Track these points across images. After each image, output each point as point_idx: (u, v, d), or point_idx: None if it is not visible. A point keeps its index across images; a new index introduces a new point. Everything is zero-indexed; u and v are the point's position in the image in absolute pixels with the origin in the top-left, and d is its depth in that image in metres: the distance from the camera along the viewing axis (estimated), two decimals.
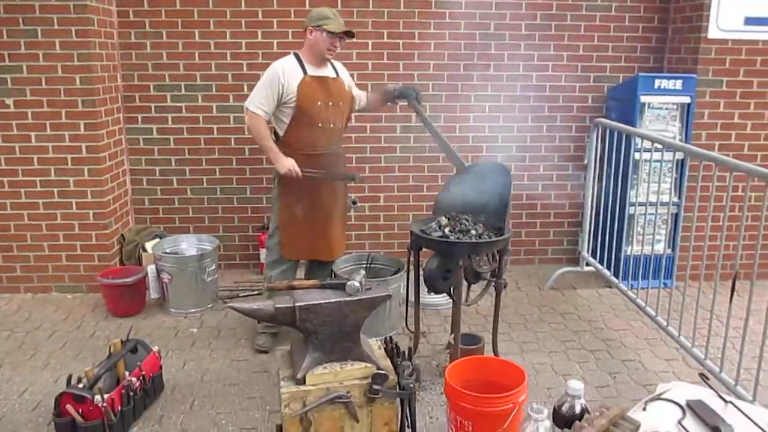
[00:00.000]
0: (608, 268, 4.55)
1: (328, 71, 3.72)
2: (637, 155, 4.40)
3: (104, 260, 4.58)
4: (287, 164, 3.56)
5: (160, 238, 4.70)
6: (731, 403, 1.75)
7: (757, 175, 2.89)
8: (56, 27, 4.17)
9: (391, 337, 2.84)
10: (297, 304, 2.48)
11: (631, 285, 4.22)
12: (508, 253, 3.49)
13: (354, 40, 4.65)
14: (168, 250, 4.50)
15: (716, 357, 3.26)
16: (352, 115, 4.04)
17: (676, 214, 4.65)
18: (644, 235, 4.27)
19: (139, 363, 3.20)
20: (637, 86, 4.50)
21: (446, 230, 3.33)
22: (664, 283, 4.21)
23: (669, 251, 4.63)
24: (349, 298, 2.53)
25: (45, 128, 4.34)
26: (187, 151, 4.92)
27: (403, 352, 2.65)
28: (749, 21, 4.50)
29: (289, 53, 3.72)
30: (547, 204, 5.20)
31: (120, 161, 4.76)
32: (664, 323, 3.67)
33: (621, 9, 4.87)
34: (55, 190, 4.44)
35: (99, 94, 4.36)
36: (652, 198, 4.24)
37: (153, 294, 4.47)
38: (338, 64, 3.85)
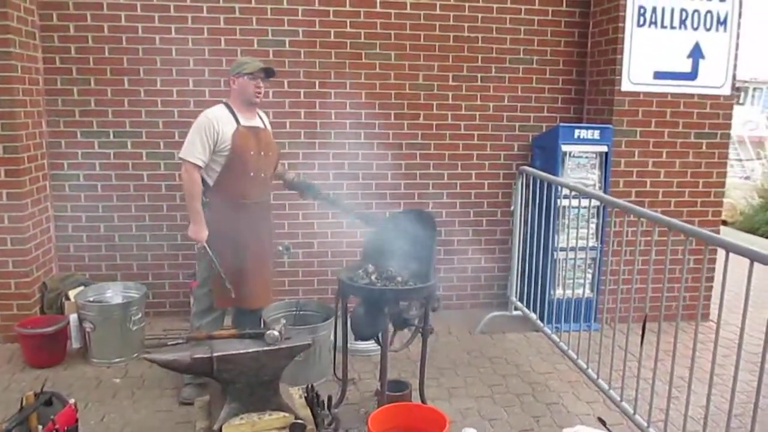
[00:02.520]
0: (536, 311, 4.66)
1: (257, 122, 3.75)
2: (561, 201, 4.57)
3: (24, 309, 4.43)
4: (201, 235, 3.58)
5: (85, 285, 4.58)
6: None
7: (661, 222, 3.04)
8: None
9: (312, 386, 2.84)
10: (214, 354, 2.47)
11: (557, 328, 4.33)
12: (435, 299, 3.53)
13: (287, 89, 4.80)
14: (92, 299, 4.38)
15: (632, 398, 3.36)
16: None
17: (598, 258, 4.82)
18: (567, 279, 4.41)
19: (52, 416, 3.08)
20: (558, 136, 4.70)
21: (372, 277, 3.37)
22: (588, 326, 4.35)
23: (591, 294, 4.79)
24: (267, 348, 2.53)
25: None
26: (115, 198, 4.85)
27: (323, 401, 2.65)
28: (658, 75, 4.80)
29: (219, 101, 3.73)
30: (477, 249, 5.32)
31: (44, 207, 4.65)
32: (584, 366, 3.77)
33: (542, 62, 5.12)
34: None
35: (22, 141, 4.28)
36: (574, 243, 4.38)
37: (75, 344, 4.34)
38: (263, 115, 3.88)
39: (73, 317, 4.29)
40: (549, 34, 5.10)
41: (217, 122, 3.53)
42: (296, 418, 2.51)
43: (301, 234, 5.11)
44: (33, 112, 4.47)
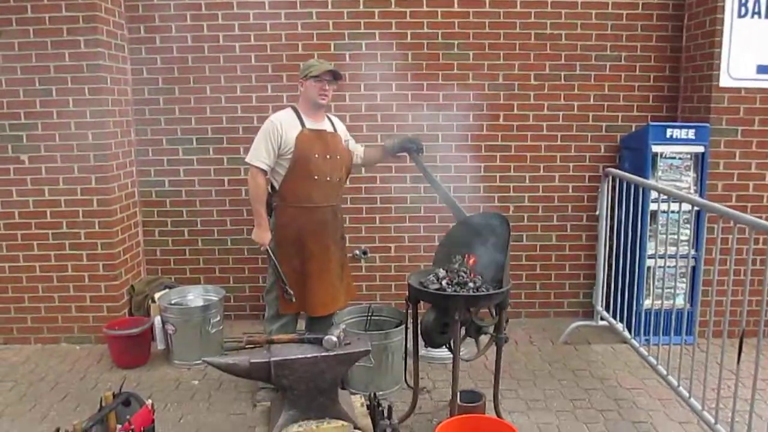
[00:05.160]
0: (623, 322, 4.37)
1: (325, 125, 3.72)
2: (653, 206, 4.28)
3: (113, 311, 4.62)
4: (264, 238, 3.63)
5: (170, 288, 4.72)
6: None
7: (760, 228, 2.75)
8: (70, 86, 4.33)
9: (375, 394, 2.76)
10: (272, 359, 2.44)
11: (649, 341, 4.03)
12: (508, 306, 3.37)
13: (363, 92, 4.78)
14: (173, 301, 4.51)
15: (729, 420, 3.06)
16: (352, 169, 4.02)
17: (695, 267, 4.46)
18: (663, 289, 4.09)
19: (128, 417, 3.16)
20: (648, 136, 4.40)
21: (443, 282, 3.25)
22: (687, 340, 4.02)
23: (689, 306, 4.43)
24: (326, 353, 2.48)
25: (58, 182, 4.47)
26: (198, 203, 4.99)
27: (381, 410, 2.56)
28: (762, 69, 4.38)
29: (292, 105, 3.74)
30: (562, 255, 5.09)
31: (132, 213, 4.84)
32: (675, 383, 3.48)
33: (631, 58, 4.82)
34: (67, 242, 4.54)
35: (111, 149, 4.48)
36: (670, 250, 4.08)
37: (159, 345, 4.46)
38: (336, 120, 3.85)
39: (157, 319, 4.42)
40: (639, 29, 4.78)
41: (281, 126, 3.55)
42: (355, 427, 2.44)
43: (378, 238, 5.07)
44: (122, 121, 4.66)
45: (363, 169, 4.83)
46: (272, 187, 3.69)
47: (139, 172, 4.94)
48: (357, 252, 5.02)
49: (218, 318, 4.41)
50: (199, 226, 5.03)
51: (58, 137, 4.40)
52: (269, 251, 3.61)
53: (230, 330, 4.77)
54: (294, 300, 3.62)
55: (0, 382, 4.10)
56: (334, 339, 2.47)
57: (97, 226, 4.52)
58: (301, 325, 3.97)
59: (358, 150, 3.98)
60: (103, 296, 4.62)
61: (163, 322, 4.36)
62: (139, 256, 4.99)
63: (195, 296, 4.65)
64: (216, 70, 4.81)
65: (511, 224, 4.85)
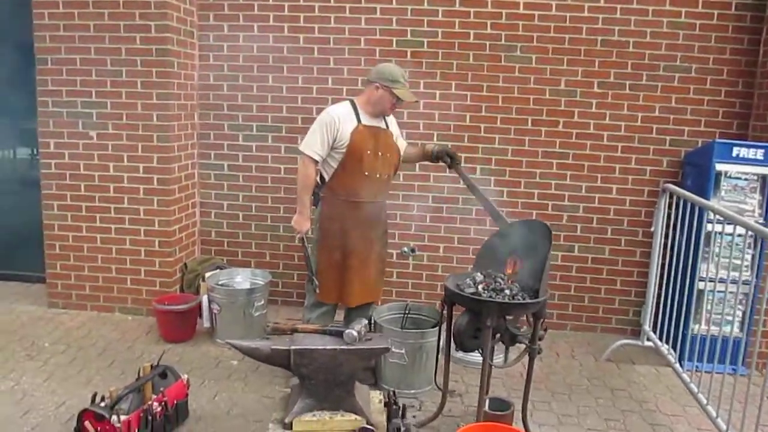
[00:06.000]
0: (672, 345, 4.21)
1: (380, 122, 3.76)
2: (709, 226, 4.10)
3: (165, 286, 4.81)
4: (304, 226, 3.73)
5: (221, 269, 4.87)
6: None
7: None
8: (139, 68, 4.54)
9: (394, 392, 2.77)
10: (292, 347, 2.49)
11: (696, 367, 3.87)
12: (545, 317, 3.31)
13: (422, 89, 4.78)
14: (221, 282, 4.65)
15: None
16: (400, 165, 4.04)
17: (749, 294, 4.24)
18: (712, 314, 3.92)
19: (162, 389, 3.29)
20: (712, 153, 4.20)
21: (480, 287, 3.23)
22: (733, 369, 3.85)
23: (741, 334, 4.23)
24: (345, 347, 2.51)
25: (122, 159, 4.69)
26: (254, 188, 5.12)
27: (396, 409, 2.57)
28: None
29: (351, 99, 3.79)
30: (614, 270, 4.94)
31: (190, 194, 5.02)
32: (714, 414, 3.32)
33: (702, 71, 4.61)
34: (127, 217, 4.76)
35: (173, 131, 4.66)
36: (723, 274, 3.90)
37: (205, 323, 4.61)
38: (389, 117, 3.86)
39: (204, 298, 4.58)
40: (713, 40, 4.57)
41: (339, 119, 3.59)
42: (368, 422, 2.47)
43: (427, 237, 5.06)
44: (186, 105, 4.84)
45: (417, 166, 4.85)
46: (321, 177, 3.76)
47: (200, 154, 5.11)
48: (405, 249, 5.02)
49: (262, 302, 4.52)
50: (253, 211, 5.16)
51: (125, 116, 4.62)
52: (304, 240, 3.68)
53: (276, 315, 4.87)
54: (318, 290, 3.69)
55: (54, 345, 4.35)
56: (354, 333, 2.50)
57: (155, 204, 4.72)
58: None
59: (403, 146, 3.99)
60: (157, 271, 4.82)
61: (210, 301, 4.50)
62: (195, 236, 5.17)
63: (243, 279, 4.78)
64: (279, 60, 4.92)
65: (563, 234, 4.85)
